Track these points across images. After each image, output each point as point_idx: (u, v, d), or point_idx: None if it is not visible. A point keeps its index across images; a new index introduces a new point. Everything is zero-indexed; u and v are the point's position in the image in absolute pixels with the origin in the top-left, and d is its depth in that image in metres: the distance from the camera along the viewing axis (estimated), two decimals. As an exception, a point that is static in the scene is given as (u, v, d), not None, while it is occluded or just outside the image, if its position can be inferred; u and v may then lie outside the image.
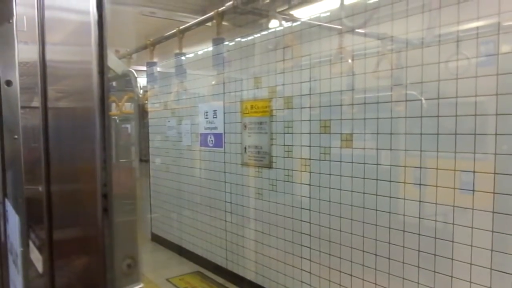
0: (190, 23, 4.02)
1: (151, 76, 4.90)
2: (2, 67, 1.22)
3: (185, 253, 4.40)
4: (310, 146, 2.84)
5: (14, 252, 1.04)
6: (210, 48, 3.82)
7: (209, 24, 3.83)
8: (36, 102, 0.74)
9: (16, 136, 1.04)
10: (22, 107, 1.01)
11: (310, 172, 2.85)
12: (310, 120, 2.83)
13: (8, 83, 1.17)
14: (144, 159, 5.18)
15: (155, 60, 4.73)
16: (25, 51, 0.96)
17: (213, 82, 3.86)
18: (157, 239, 4.95)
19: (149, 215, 5.07)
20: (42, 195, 0.69)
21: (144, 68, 5.10)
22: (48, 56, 0.65)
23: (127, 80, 1.05)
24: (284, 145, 3.06)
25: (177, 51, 4.22)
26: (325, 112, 2.70)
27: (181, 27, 4.09)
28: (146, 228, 5.06)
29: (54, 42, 0.64)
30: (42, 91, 0.67)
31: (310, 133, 2.83)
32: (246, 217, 3.51)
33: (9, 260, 1.17)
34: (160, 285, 3.74)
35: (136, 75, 1.06)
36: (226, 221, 3.77)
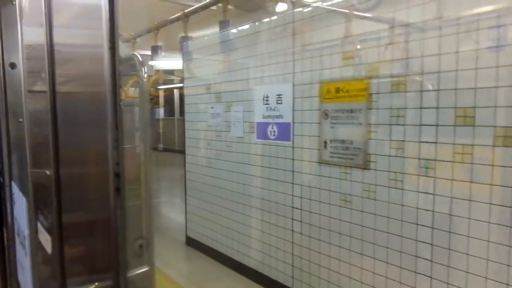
0: (195, 6, 3.99)
1: (187, 55, 4.25)
2: (6, 50, 1.21)
3: (234, 264, 3.74)
4: (436, 142, 2.15)
5: (22, 234, 1.05)
6: (275, 17, 3.14)
7: (214, 8, 3.78)
8: (42, 85, 0.73)
9: (20, 120, 1.04)
10: (28, 91, 1.01)
11: (434, 178, 2.16)
12: (437, 108, 2.13)
13: (12, 65, 1.16)
14: (178, 150, 5.00)
15: (159, 43, 4.68)
16: (29, 33, 0.95)
17: (275, 61, 3.17)
18: (193, 244, 4.36)
19: (184, 216, 4.52)
20: (50, 178, 0.69)
21: (148, 52, 5.04)
22: (56, 39, 0.64)
23: (131, 64, 1.04)
24: (390, 140, 2.37)
25: (190, 34, 4.15)
26: (466, 96, 2.02)
27: (185, 11, 4.06)
28: (180, 231, 4.63)
29: (61, 24, 0.64)
30: (50, 74, 0.67)
31: (437, 125, 2.14)
32: (324, 229, 2.82)
33: (17, 243, 1.18)
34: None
35: (140, 59, 1.05)
36: (293, 231, 3.08)
